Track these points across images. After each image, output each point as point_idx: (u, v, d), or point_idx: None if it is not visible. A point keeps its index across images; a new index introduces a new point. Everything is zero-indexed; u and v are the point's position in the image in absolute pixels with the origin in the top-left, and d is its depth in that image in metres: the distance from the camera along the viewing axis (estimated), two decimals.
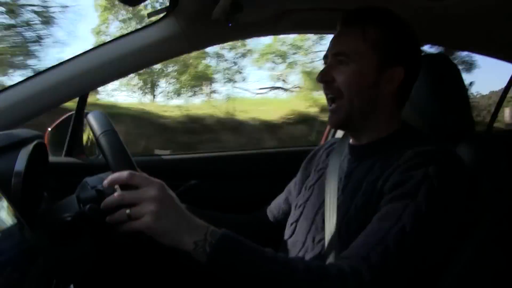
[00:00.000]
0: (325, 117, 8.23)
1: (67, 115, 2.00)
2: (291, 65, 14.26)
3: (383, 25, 1.22)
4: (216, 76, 14.60)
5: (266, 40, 15.00)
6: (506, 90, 3.29)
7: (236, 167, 2.17)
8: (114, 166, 1.02)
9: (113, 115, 8.79)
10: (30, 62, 10.01)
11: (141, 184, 0.96)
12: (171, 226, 0.95)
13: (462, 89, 1.35)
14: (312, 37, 13.37)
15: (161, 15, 1.55)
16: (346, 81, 1.21)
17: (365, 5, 1.26)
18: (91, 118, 1.09)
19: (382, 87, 1.22)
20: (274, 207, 1.57)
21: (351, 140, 1.34)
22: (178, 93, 14.20)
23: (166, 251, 1.01)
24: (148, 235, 0.95)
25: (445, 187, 1.05)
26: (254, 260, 0.97)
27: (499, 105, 3.44)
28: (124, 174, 0.96)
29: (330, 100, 1.26)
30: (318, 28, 1.89)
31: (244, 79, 14.74)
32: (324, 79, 1.25)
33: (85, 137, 2.00)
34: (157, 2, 11.41)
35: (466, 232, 1.16)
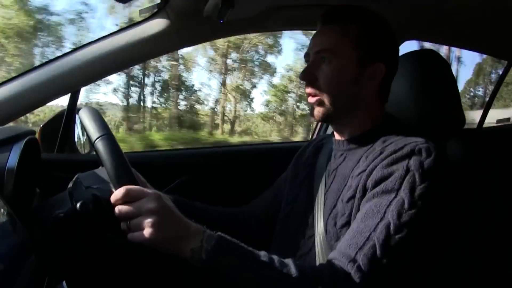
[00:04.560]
0: None
1: (59, 111, 1.99)
2: None
3: (363, 22, 1.23)
4: None
5: None
6: (497, 86, 3.32)
7: (227, 162, 2.17)
8: (113, 179, 1.02)
9: None
10: None
11: (137, 198, 0.97)
12: (169, 235, 0.96)
13: (452, 84, 1.36)
14: None
15: (153, 11, 1.55)
16: (328, 79, 1.22)
17: (350, 3, 1.27)
18: (84, 116, 1.08)
19: (364, 83, 1.23)
20: (263, 201, 1.57)
21: (335, 136, 1.35)
22: None
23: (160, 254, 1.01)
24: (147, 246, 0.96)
25: (427, 180, 1.06)
26: (249, 265, 0.98)
27: (490, 101, 3.46)
28: (119, 194, 0.97)
29: (311, 95, 1.27)
30: (308, 25, 1.89)
31: None
32: (307, 77, 1.25)
33: (77, 133, 1.99)
34: None
35: (458, 226, 1.17)
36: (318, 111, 1.26)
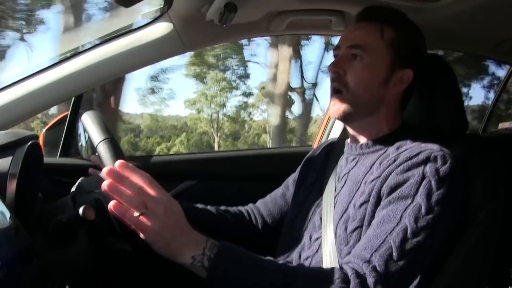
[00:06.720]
0: None
1: (62, 115, 2.00)
2: None
3: (401, 27, 1.25)
4: None
5: None
6: (499, 91, 3.31)
7: (232, 167, 2.17)
8: None
9: None
10: None
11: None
12: (173, 237, 0.95)
13: (456, 89, 1.36)
14: None
15: (156, 15, 1.55)
16: (356, 76, 1.22)
17: (370, 5, 1.29)
18: (87, 120, 1.08)
19: (390, 87, 1.24)
20: (270, 201, 1.57)
21: (349, 140, 1.35)
22: None
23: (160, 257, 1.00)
24: (148, 244, 0.95)
25: (443, 187, 1.07)
26: (253, 271, 0.98)
27: (493, 106, 3.45)
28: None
29: (335, 90, 1.26)
30: (311, 29, 1.89)
31: None
32: (335, 70, 1.25)
33: (80, 138, 1.99)
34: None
35: (461, 231, 1.17)
36: (338, 108, 1.25)
